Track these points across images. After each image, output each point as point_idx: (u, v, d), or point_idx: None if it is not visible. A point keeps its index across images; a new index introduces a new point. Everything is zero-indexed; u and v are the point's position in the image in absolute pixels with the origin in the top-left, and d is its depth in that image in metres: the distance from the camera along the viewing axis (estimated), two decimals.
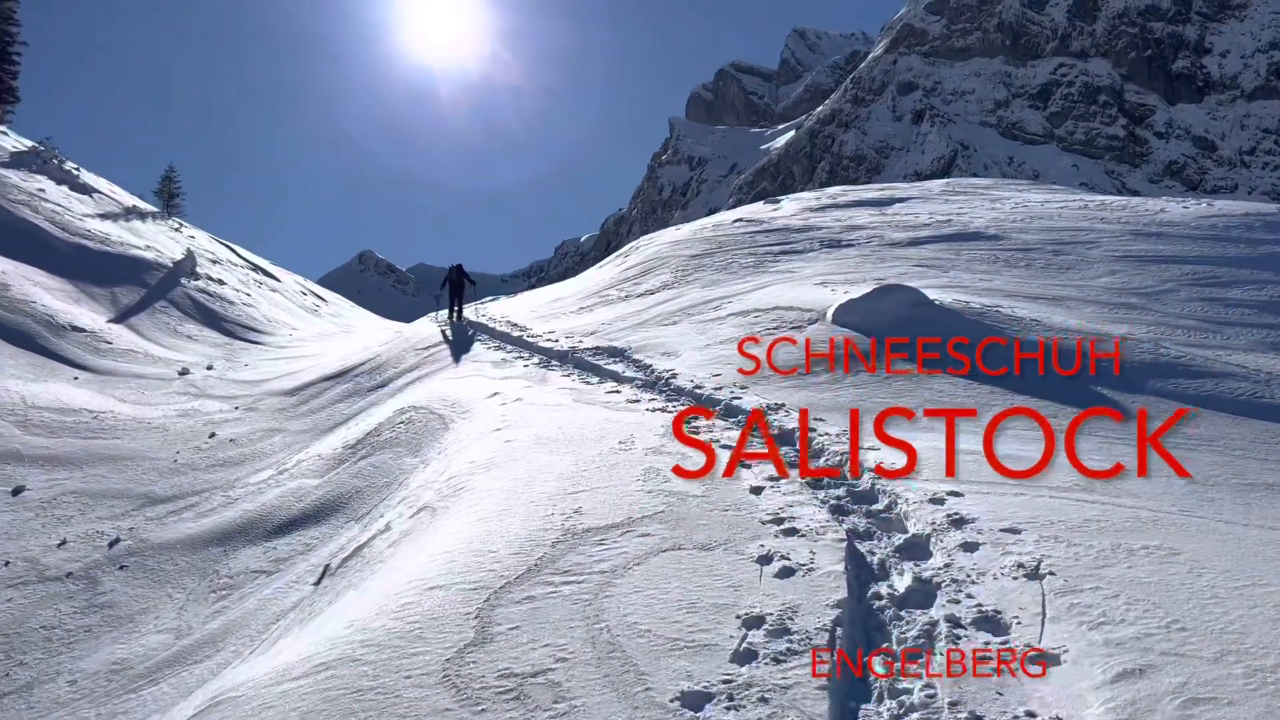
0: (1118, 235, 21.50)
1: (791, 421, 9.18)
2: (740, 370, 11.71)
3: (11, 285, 21.26)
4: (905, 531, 5.90)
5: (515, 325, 18.87)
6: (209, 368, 21.23)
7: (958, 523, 5.74)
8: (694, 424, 9.30)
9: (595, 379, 12.83)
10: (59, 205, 30.37)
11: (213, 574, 9.49)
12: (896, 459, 7.48)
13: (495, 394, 11.93)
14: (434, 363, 16.41)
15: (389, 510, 8.43)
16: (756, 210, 31.23)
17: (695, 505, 6.23)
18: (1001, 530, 5.51)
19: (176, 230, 37.52)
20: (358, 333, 30.95)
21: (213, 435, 15.06)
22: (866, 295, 13.25)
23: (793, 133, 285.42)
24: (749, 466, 7.47)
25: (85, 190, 35.73)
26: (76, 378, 17.85)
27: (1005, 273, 17.94)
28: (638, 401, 10.81)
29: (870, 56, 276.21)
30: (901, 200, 31.59)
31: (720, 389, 10.97)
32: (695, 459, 7.67)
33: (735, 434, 8.82)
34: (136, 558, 10.17)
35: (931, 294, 13.72)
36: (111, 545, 10.65)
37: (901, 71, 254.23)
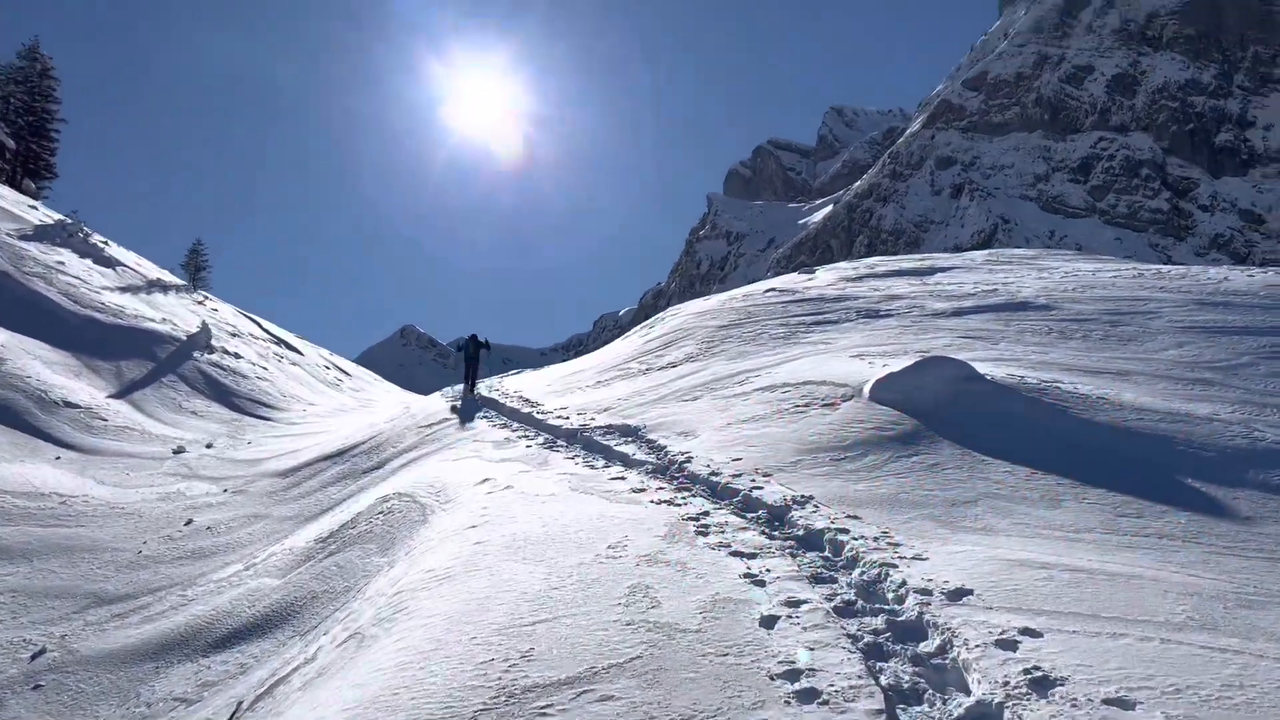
0: (1180, 305, 19.86)
1: (820, 520, 7.66)
2: (764, 453, 10.22)
3: (7, 359, 20.34)
4: (967, 693, 4.36)
5: (527, 401, 17.53)
6: (208, 446, 20.06)
7: (1040, 684, 4.19)
8: (703, 522, 7.81)
9: (601, 462, 11.40)
10: (77, 278, 29.75)
11: (133, 698, 8.04)
12: (949, 574, 5.95)
13: (486, 479, 10.52)
14: (434, 442, 15.07)
15: (329, 629, 6.97)
16: (790, 280, 29.93)
17: (685, 646, 4.74)
18: (1107, 702, 3.95)
19: (200, 304, 36.89)
20: (377, 407, 29.78)
21: (189, 522, 13.76)
22: (908, 369, 11.75)
23: (830, 207, 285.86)
24: (762, 584, 5.96)
25: (109, 263, 35.27)
26: (59, 457, 16.71)
27: (1060, 345, 16.34)
28: (643, 490, 9.34)
29: (908, 132, 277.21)
30: (943, 270, 30.14)
31: (739, 476, 9.48)
32: (696, 573, 6.18)
33: (751, 535, 7.32)
34: (57, 675, 8.76)
35: (981, 368, 12.20)
36: (34, 658, 9.24)
37: (939, 146, 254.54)
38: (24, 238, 31.38)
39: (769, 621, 5.17)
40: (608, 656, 4.55)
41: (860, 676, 4.39)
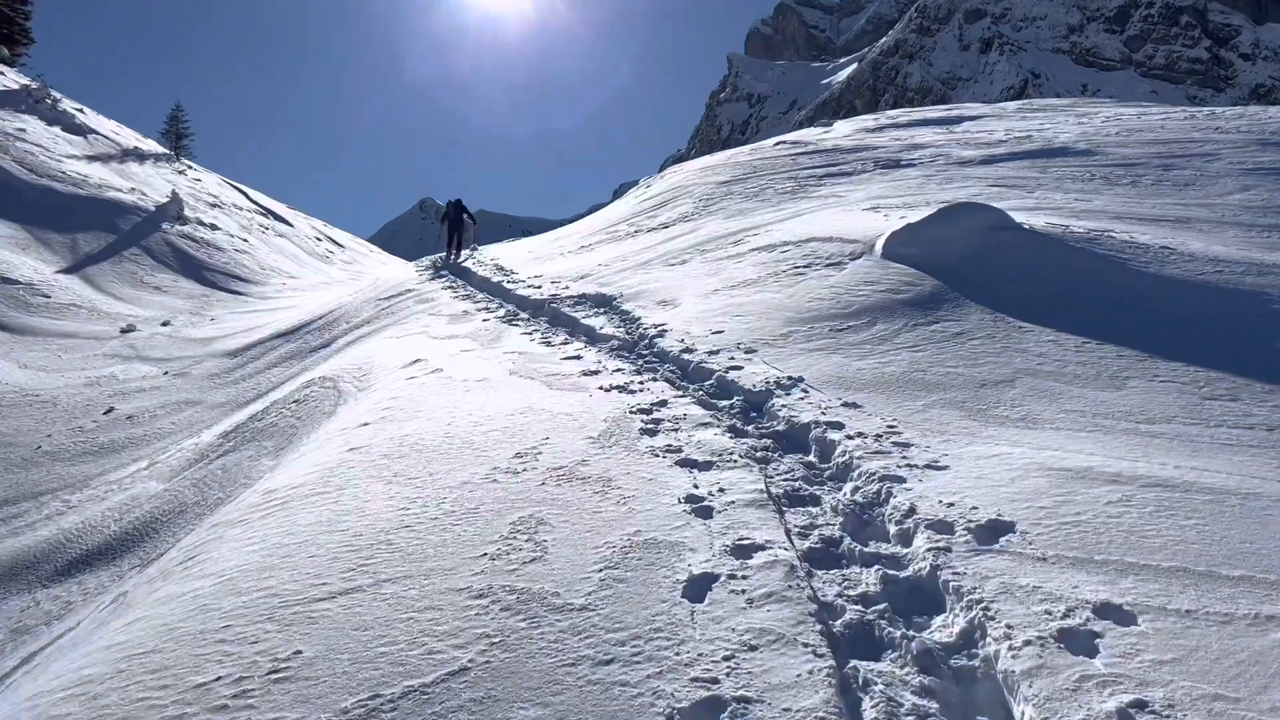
0: (1241, 146, 17.51)
1: (807, 409, 5.86)
2: (750, 324, 8.38)
3: None
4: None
5: (501, 269, 15.65)
6: (164, 324, 18.40)
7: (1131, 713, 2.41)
8: (655, 415, 6.03)
9: (561, 337, 9.60)
10: (38, 146, 27.71)
11: None
12: (977, 494, 4.16)
13: (416, 361, 8.76)
14: (389, 316, 13.31)
15: (164, 565, 5.30)
16: (804, 134, 27.47)
17: (549, 644, 2.98)
18: None
19: (179, 173, 34.80)
20: (364, 280, 28.03)
21: (109, 411, 12.16)
22: (930, 218, 9.77)
23: (855, 66, 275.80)
24: (708, 514, 4.20)
25: (80, 131, 33.11)
26: None
27: (1106, 191, 14.19)
28: (595, 373, 7.56)
29: None
30: (972, 118, 27.55)
31: (717, 352, 7.67)
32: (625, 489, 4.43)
33: (713, 435, 5.53)
34: None
35: (1017, 217, 10.18)
36: None
37: None
38: None
39: (699, 587, 3.40)
40: (413, 670, 2.81)
41: (829, 702, 2.62)
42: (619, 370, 7.62)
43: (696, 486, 4.56)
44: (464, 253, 19.52)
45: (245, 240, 29.05)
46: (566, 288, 12.44)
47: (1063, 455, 4.68)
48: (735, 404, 6.39)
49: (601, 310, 10.74)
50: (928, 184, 15.63)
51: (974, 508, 4.02)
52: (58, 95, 35.71)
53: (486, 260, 17.48)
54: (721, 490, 4.48)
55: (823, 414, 5.79)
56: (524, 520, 4.07)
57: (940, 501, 4.14)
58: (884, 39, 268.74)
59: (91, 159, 30.23)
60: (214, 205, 31.87)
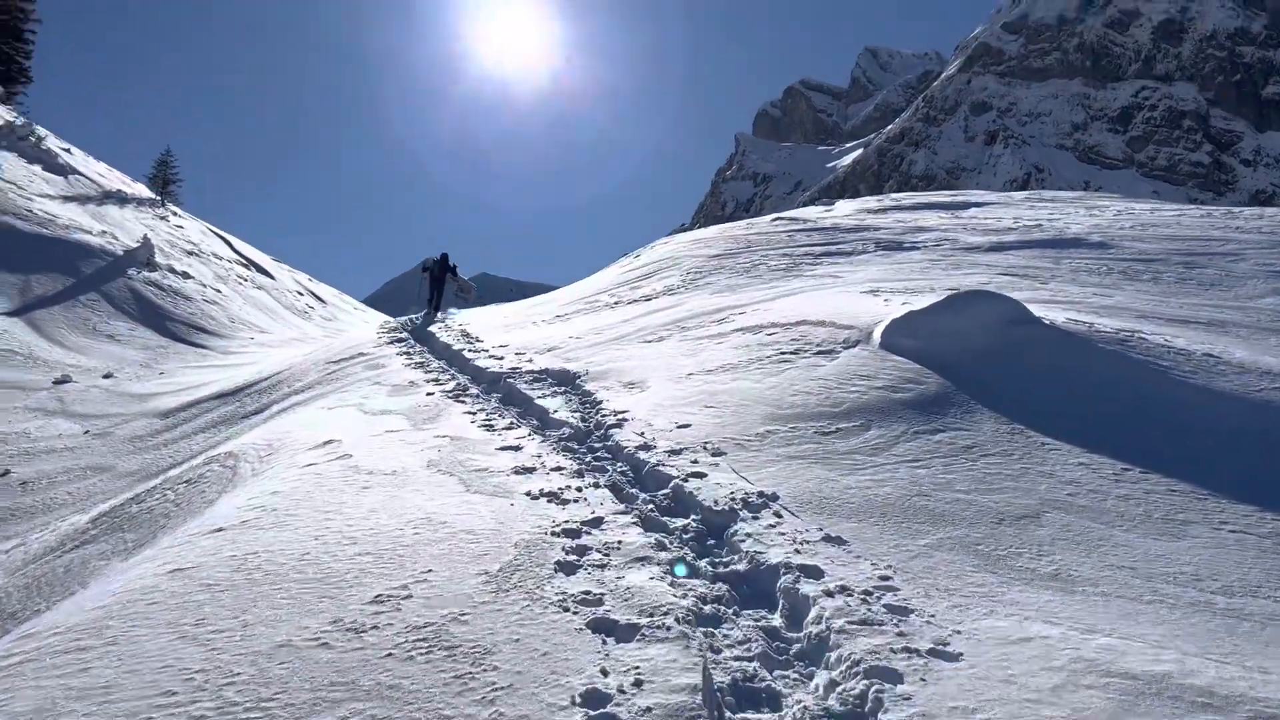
0: (1266, 247, 16.47)
1: (779, 545, 4.56)
2: (723, 418, 7.10)
3: None
4: None
5: (468, 336, 14.39)
6: (106, 376, 17.08)
7: None
8: (581, 540, 4.71)
9: (506, 420, 8.31)
10: (9, 183, 26.66)
11: None
12: (1007, 713, 2.84)
13: (330, 441, 7.45)
14: (333, 381, 12.02)
15: None
16: (804, 211, 26.50)
17: None
18: None
19: (161, 219, 33.76)
20: (342, 338, 26.77)
21: (3, 475, 10.79)
22: (936, 306, 8.55)
23: (860, 151, 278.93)
24: (602, 707, 2.88)
25: (62, 171, 32.17)
26: None
27: (1126, 286, 13.04)
28: (530, 471, 6.25)
29: (943, 75, 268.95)
30: (979, 205, 26.63)
31: (680, 452, 6.39)
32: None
33: (649, 577, 4.20)
34: None
35: (1034, 310, 8.95)
36: None
37: (975, 91, 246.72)
38: None
39: None
40: None
41: None
42: (559, 469, 6.30)
43: (605, 674, 3.21)
44: (436, 314, 18.38)
45: (218, 291, 27.87)
46: (530, 360, 11.19)
47: (1121, 647, 3.37)
48: (689, 527, 5.09)
49: (561, 389, 9.47)
50: (932, 269, 14.49)
51: (976, 678, 2.70)
52: (43, 134, 34.90)
53: (455, 325, 16.24)
54: (638, 685, 3.14)
55: (797, 550, 4.48)
56: None
57: (935, 657, 2.83)
58: (890, 126, 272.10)
59: (67, 199, 29.21)
60: (191, 253, 30.76)
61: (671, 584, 4.11)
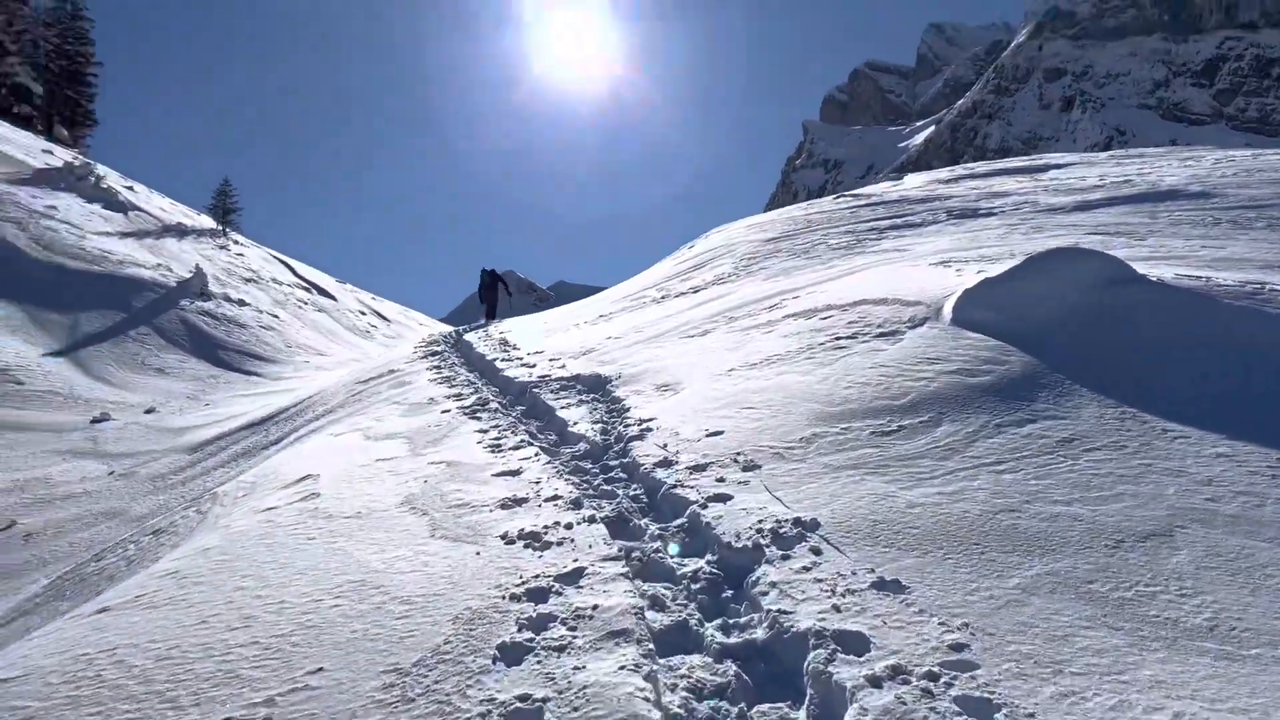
0: None
1: (813, 601, 3.34)
2: (761, 420, 5.88)
3: None
4: None
5: (505, 345, 13.34)
6: (149, 411, 16.52)
7: None
8: (549, 605, 3.54)
9: (519, 438, 7.19)
10: (65, 223, 26.63)
11: None
12: None
13: (305, 478, 6.45)
14: (356, 403, 11.10)
15: None
16: (872, 188, 24.93)
17: None
18: None
19: (221, 249, 33.66)
20: (381, 356, 26.15)
21: (8, 527, 10.08)
22: (1017, 270, 7.19)
23: (932, 128, 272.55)
24: None
25: (121, 208, 32.24)
26: None
27: (1239, 236, 11.39)
28: (520, 504, 5.11)
29: (1013, 44, 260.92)
30: (1059, 166, 24.72)
31: (705, 467, 5.21)
32: None
33: (625, 673, 3.00)
34: None
35: (1138, 268, 7.51)
36: None
37: (1048, 57, 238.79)
38: (16, 182, 28.44)
39: None
40: None
41: None
42: (554, 499, 5.13)
43: None
44: (490, 323, 17.69)
45: (275, 316, 27.43)
46: (563, 366, 10.11)
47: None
48: (701, 573, 3.90)
49: (588, 397, 8.38)
50: (1011, 234, 12.97)
51: None
52: (103, 172, 35.12)
53: (495, 334, 15.24)
54: None
55: (836, 607, 3.26)
56: None
57: None
58: (961, 100, 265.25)
59: (125, 235, 29.16)
60: (249, 280, 30.48)
61: (648, 676, 2.91)
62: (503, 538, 4.45)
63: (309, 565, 4.21)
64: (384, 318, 37.30)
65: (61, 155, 35.70)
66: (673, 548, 4.30)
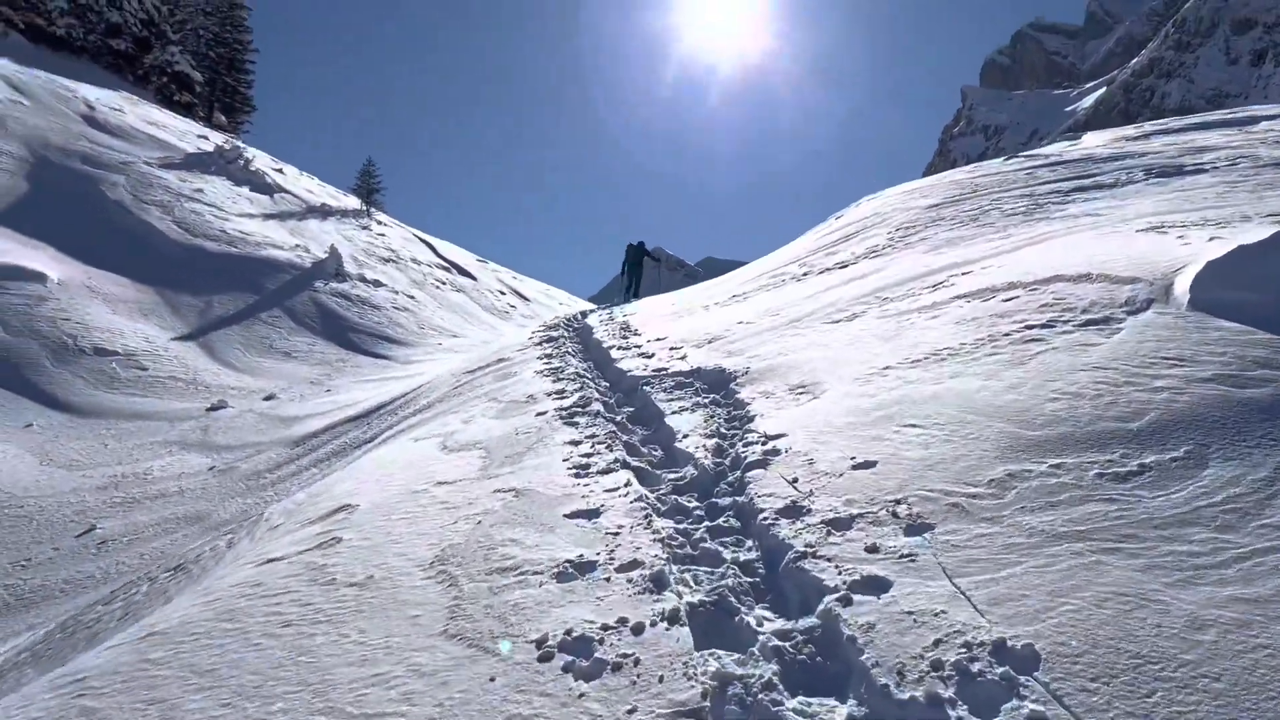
0: None
1: None
2: (930, 448, 4.24)
3: (51, 298, 16.98)
4: None
5: (627, 329, 11.89)
6: (268, 398, 15.91)
7: None
8: None
9: (617, 453, 5.72)
10: (210, 205, 26.78)
11: None
12: None
13: (339, 510, 5.16)
14: (455, 398, 9.95)
15: None
16: (1048, 148, 22.29)
17: None
18: None
19: (364, 229, 33.57)
20: (499, 342, 25.24)
21: (87, 531, 9.33)
22: None
23: (1103, 90, 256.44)
24: None
25: (268, 190, 32.50)
26: (30, 424, 12.90)
27: None
28: (588, 571, 3.65)
29: None
30: (1270, 118, 21.49)
31: (850, 523, 3.67)
32: None
33: None
34: None
35: None
36: None
37: (1235, 7, 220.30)
38: (167, 166, 28.87)
39: None
40: None
41: None
42: (632, 568, 3.64)
43: None
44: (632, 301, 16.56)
45: (411, 297, 26.90)
46: (684, 356, 8.61)
47: None
48: None
49: (708, 398, 6.87)
50: (1233, 193, 10.66)
51: None
52: (251, 155, 35.55)
53: (619, 317, 13.84)
54: None
55: None
56: None
57: None
58: (1136, 59, 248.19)
59: (268, 217, 29.23)
60: (387, 260, 30.14)
61: None
62: (539, 644, 2.98)
63: (247, 685, 2.85)
64: (523, 297, 36.58)
65: (215, 140, 36.33)
66: (793, 684, 2.73)
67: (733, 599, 3.31)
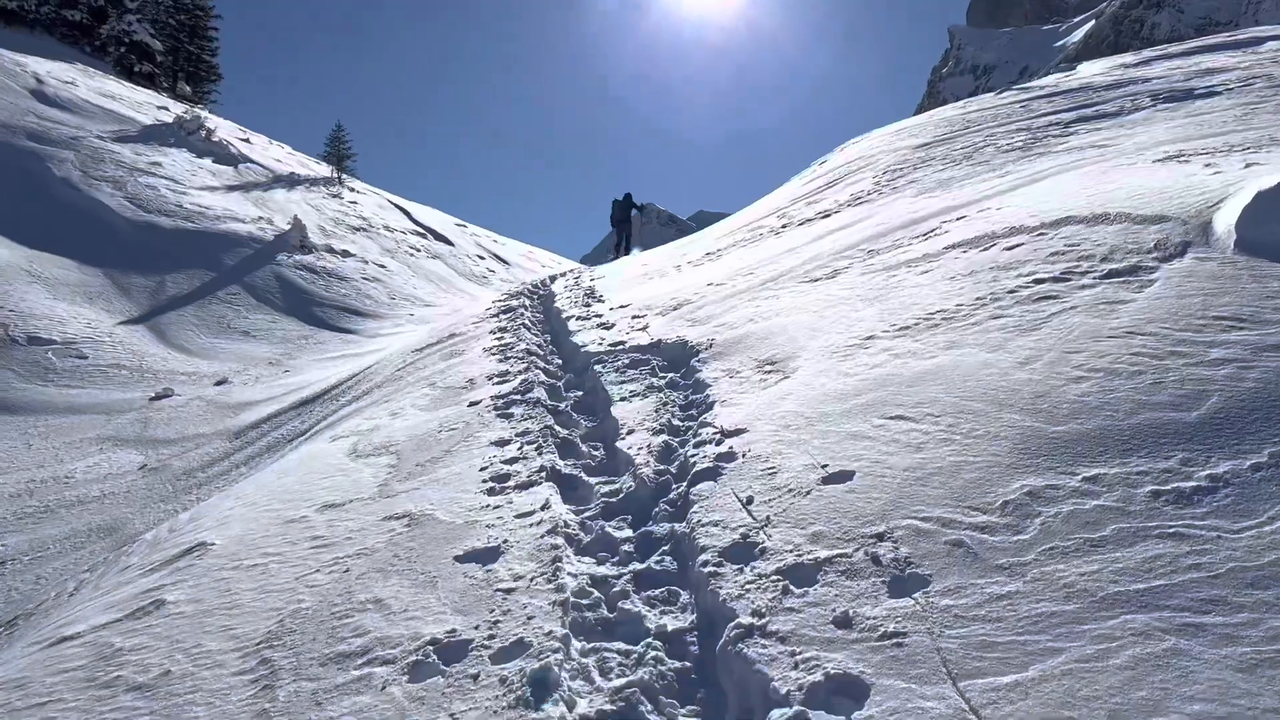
0: None
1: None
2: (924, 450, 3.23)
3: None
4: None
5: (592, 295, 10.83)
6: (220, 382, 14.86)
7: None
8: None
9: (545, 459, 4.73)
10: (167, 179, 25.53)
11: None
12: None
13: (192, 549, 4.15)
14: (394, 383, 8.97)
15: None
16: (1044, 80, 21.08)
17: None
18: None
19: (334, 196, 32.28)
20: (456, 315, 24.11)
21: None
22: None
23: (1091, 23, 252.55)
24: None
25: (232, 161, 31.17)
26: None
27: None
28: (456, 659, 2.64)
29: None
30: (1275, 38, 20.26)
31: (817, 570, 2.65)
32: None
33: None
34: None
35: None
36: None
37: None
38: (121, 140, 27.55)
39: None
40: None
41: None
42: (517, 652, 2.64)
43: None
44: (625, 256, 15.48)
45: (382, 266, 25.74)
46: (645, 327, 7.58)
47: None
48: None
49: (665, 378, 5.89)
50: (1256, 114, 9.57)
51: None
52: (214, 125, 34.15)
53: (586, 281, 12.76)
54: None
55: None
56: None
57: None
58: None
59: (231, 189, 27.94)
60: (358, 229, 28.91)
61: None
62: None
63: None
64: (503, 261, 35.35)
65: (176, 111, 34.91)
66: None
67: (646, 706, 2.31)
